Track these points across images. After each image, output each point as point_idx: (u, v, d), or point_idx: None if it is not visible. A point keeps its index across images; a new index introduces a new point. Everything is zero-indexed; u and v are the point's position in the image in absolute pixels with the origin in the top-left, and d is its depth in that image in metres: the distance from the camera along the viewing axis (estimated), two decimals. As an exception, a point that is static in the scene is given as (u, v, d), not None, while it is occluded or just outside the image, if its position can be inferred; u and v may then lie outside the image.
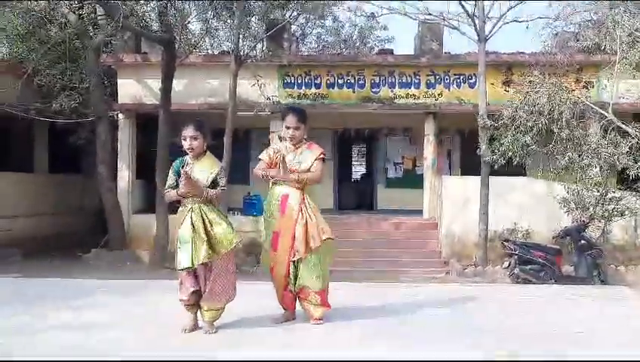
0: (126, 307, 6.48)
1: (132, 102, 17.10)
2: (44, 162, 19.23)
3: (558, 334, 5.41)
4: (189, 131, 5.26)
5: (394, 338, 5.19)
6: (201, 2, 16.10)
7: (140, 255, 15.58)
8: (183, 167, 5.21)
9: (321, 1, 16.53)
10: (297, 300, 5.67)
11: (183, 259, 5.15)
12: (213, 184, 5.25)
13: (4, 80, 15.64)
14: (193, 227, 5.14)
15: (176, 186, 5.24)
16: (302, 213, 5.53)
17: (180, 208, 5.32)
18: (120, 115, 17.13)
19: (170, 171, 5.36)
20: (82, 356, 4.63)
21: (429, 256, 15.35)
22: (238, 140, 16.42)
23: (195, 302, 5.27)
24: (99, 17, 15.83)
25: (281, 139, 5.89)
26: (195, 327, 5.29)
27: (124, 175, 17.01)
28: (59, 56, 16.23)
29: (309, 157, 5.65)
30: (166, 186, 5.41)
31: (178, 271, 5.29)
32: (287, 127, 5.68)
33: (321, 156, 5.69)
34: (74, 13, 15.47)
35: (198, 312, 5.32)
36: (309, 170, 5.60)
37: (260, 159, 5.77)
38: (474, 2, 14.14)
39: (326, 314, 5.62)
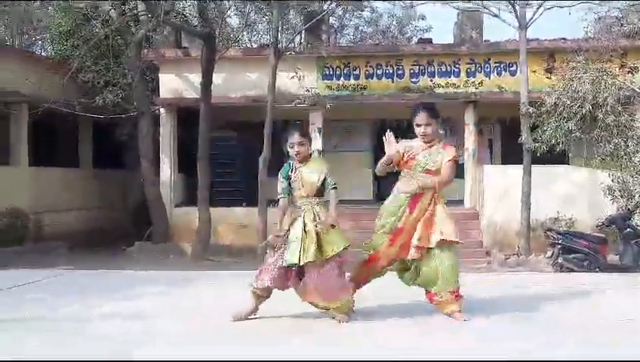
0: (171, 298, 6.60)
1: (173, 97, 17.31)
2: (89, 157, 19.62)
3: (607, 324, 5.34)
4: (295, 138, 5.41)
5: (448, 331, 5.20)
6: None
7: (183, 247, 15.77)
8: (292, 171, 5.40)
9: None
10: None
11: (290, 256, 5.21)
12: (324, 183, 5.37)
13: (49, 77, 15.98)
14: (305, 227, 5.24)
15: (289, 190, 5.40)
16: (428, 213, 5.38)
17: (293, 209, 5.43)
18: (162, 110, 17.36)
19: (280, 176, 5.47)
20: (128, 342, 4.74)
21: (470, 245, 15.18)
22: (278, 132, 16.50)
23: (263, 295, 5.39)
24: (140, 13, 16.04)
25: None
26: (251, 313, 5.39)
27: (166, 168, 17.24)
28: (102, 52, 16.52)
29: (440, 158, 5.42)
30: (279, 191, 5.47)
31: (266, 262, 5.42)
32: (418, 125, 5.48)
33: (454, 159, 5.44)
34: (115, 10, 15.71)
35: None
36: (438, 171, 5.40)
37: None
38: (514, -11, 13.95)
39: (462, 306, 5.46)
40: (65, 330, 5.15)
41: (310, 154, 5.53)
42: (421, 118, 5.47)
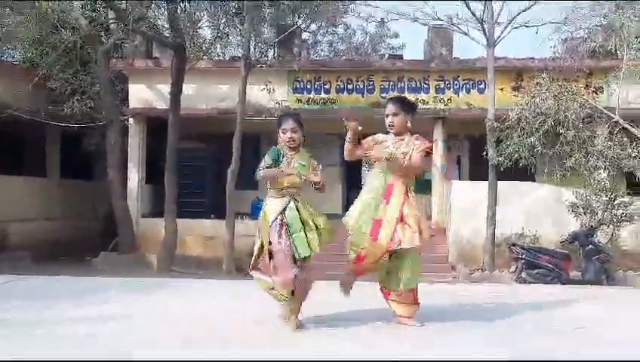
0: (128, 302, 6.55)
1: (142, 107, 17.26)
2: (56, 167, 19.39)
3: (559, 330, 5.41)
4: (289, 124, 5.30)
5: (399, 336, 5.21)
6: (212, 8, 16.24)
7: (149, 258, 15.63)
8: (282, 157, 5.24)
9: (331, 3, 16.53)
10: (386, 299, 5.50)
11: (302, 248, 5.07)
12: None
13: (16, 84, 15.83)
14: (301, 217, 5.13)
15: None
16: (406, 205, 5.25)
17: (269, 202, 5.27)
18: (131, 120, 17.27)
19: (267, 156, 5.28)
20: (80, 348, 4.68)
21: (436, 260, 15.29)
22: (247, 145, 16.50)
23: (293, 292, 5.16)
24: (110, 21, 15.98)
25: None
26: (300, 324, 5.19)
27: (134, 179, 17.14)
28: (70, 60, 16.39)
29: (409, 150, 5.27)
30: (261, 166, 5.26)
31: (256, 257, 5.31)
32: (386, 115, 5.42)
33: (426, 149, 5.29)
34: (85, 18, 15.63)
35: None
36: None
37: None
38: (483, 7, 14.16)
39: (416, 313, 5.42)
40: (16, 333, 5.07)
41: (300, 144, 5.36)
42: (388, 108, 5.43)
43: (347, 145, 5.46)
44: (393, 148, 5.32)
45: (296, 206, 5.18)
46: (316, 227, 5.17)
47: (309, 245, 5.08)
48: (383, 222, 5.22)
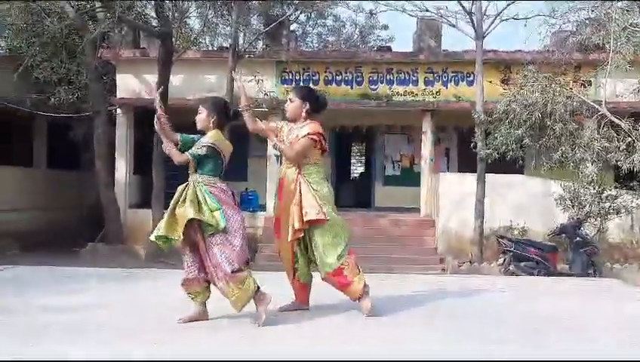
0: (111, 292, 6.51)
1: (130, 97, 17.14)
2: (43, 157, 19.28)
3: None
4: (200, 108, 5.27)
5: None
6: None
7: (136, 249, 15.56)
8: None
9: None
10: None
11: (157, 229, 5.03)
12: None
13: (1, 74, 15.68)
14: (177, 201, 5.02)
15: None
16: (295, 193, 5.28)
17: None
18: (118, 110, 17.16)
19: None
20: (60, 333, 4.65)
21: (425, 253, 15.35)
22: (236, 136, 16.39)
23: (198, 288, 5.09)
24: (97, 10, 15.84)
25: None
26: (199, 318, 5.10)
27: (121, 169, 17.05)
28: (56, 49, 16.25)
29: (298, 133, 5.37)
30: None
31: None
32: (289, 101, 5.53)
33: (310, 134, 5.31)
34: (72, 6, 15.49)
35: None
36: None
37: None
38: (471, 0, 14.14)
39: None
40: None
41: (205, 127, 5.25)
42: (290, 94, 5.58)
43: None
44: (287, 131, 5.45)
45: (182, 191, 5.04)
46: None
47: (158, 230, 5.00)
48: (281, 220, 5.41)
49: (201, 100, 5.36)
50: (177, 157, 5.11)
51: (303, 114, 5.43)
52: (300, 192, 5.28)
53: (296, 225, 5.24)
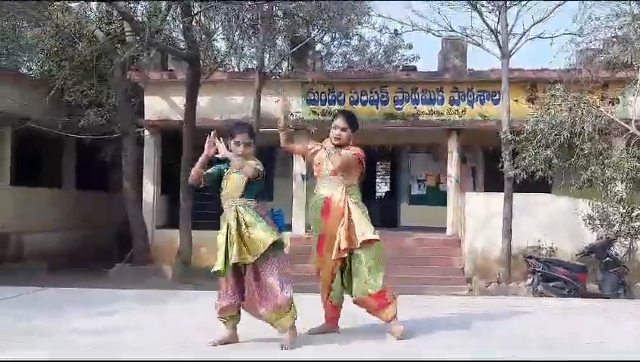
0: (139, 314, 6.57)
1: (157, 119, 17.32)
2: (72, 178, 19.55)
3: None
4: (243, 137, 5.27)
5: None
6: (227, 20, 16.32)
7: (164, 269, 15.66)
8: (223, 172, 5.29)
9: (344, 15, 16.55)
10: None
11: (216, 265, 5.05)
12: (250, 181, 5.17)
13: (33, 96, 15.99)
14: (229, 230, 5.05)
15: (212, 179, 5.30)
16: (344, 215, 5.38)
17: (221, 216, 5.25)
18: (146, 132, 17.36)
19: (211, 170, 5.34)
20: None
21: (452, 272, 15.22)
22: (261, 157, 16.49)
23: (232, 313, 5.16)
24: (126, 34, 16.10)
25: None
26: (230, 341, 5.17)
27: (149, 190, 17.20)
28: (87, 72, 16.52)
29: (348, 153, 5.52)
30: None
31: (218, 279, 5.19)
32: (334, 128, 5.60)
33: (358, 155, 5.52)
34: (102, 30, 15.77)
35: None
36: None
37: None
38: (497, 19, 14.11)
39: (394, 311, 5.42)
40: (30, 341, 5.11)
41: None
42: (339, 122, 5.61)
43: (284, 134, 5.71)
44: (324, 161, 5.57)
45: (236, 217, 5.07)
46: (243, 238, 5.01)
47: (224, 262, 4.98)
48: (325, 239, 5.43)
49: (242, 127, 5.41)
50: (250, 173, 5.13)
51: (350, 141, 5.61)
52: (350, 212, 5.39)
53: (343, 245, 5.32)
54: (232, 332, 5.20)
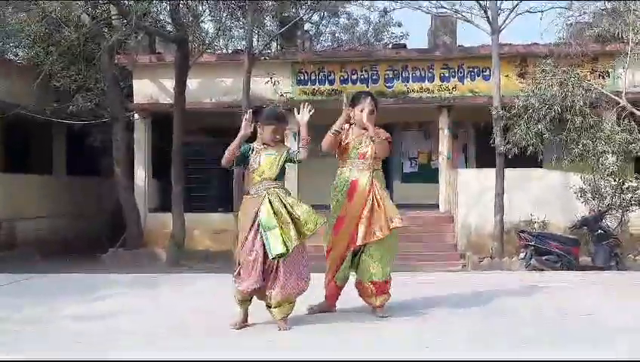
0: (137, 299, 6.56)
1: (147, 102, 17.21)
2: (63, 164, 19.44)
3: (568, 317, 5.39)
4: (273, 126, 5.30)
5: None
6: (214, 1, 16.18)
7: (157, 253, 15.65)
8: (250, 151, 5.25)
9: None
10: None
11: (276, 246, 4.91)
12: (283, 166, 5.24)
13: (21, 82, 15.85)
14: (274, 212, 5.00)
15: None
16: (369, 200, 5.38)
17: (247, 196, 5.21)
18: (135, 115, 17.26)
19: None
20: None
21: (445, 249, 15.29)
22: (253, 138, 16.43)
23: (251, 297, 5.14)
24: (113, 17, 15.94)
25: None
26: (246, 323, 5.17)
27: (140, 174, 17.13)
28: (74, 57, 16.37)
29: (382, 137, 5.57)
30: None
31: (239, 262, 5.12)
32: (366, 109, 5.55)
33: (388, 140, 5.62)
34: (88, 14, 15.60)
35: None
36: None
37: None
38: (486, -6, 14.05)
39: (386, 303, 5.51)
40: (26, 331, 5.09)
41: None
42: (369, 103, 5.58)
43: (332, 137, 5.55)
44: (355, 139, 5.54)
45: (270, 200, 5.05)
46: (293, 219, 5.02)
47: (284, 242, 4.92)
48: (345, 222, 5.40)
49: (280, 117, 5.43)
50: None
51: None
52: (379, 198, 5.39)
53: (379, 234, 5.33)
54: (247, 313, 5.20)
